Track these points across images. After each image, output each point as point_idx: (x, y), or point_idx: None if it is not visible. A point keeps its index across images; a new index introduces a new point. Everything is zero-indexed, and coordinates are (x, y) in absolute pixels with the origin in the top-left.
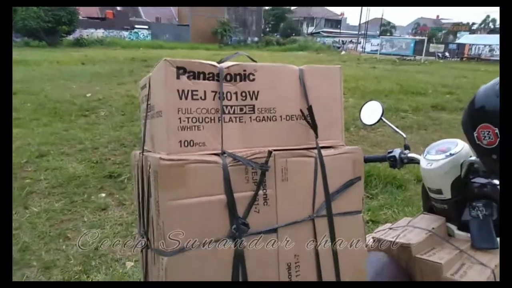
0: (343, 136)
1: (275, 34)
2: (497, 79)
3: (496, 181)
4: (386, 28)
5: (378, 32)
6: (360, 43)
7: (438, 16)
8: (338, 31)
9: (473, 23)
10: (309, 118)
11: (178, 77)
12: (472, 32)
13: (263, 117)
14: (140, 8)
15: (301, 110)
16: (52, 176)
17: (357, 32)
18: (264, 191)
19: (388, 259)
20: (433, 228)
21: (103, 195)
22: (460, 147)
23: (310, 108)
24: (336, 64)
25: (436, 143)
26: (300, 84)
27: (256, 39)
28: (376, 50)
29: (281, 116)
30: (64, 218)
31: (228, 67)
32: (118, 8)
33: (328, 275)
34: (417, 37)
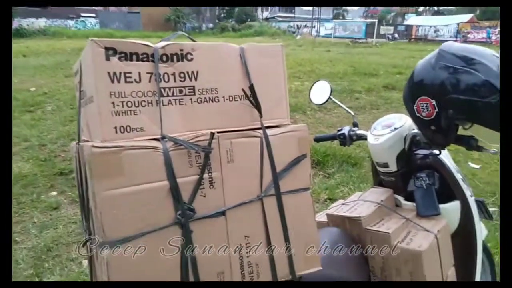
0: (288, 115)
1: (230, 20)
2: (433, 53)
3: (436, 151)
4: (339, 12)
5: (331, 16)
6: (314, 27)
7: None
8: (293, 15)
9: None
10: (252, 97)
11: (107, 59)
12: (419, 14)
13: (205, 98)
14: None
15: (243, 90)
16: None
17: (311, 16)
18: (210, 174)
19: (341, 233)
20: (381, 201)
21: (54, 193)
22: (404, 121)
23: (252, 87)
24: (292, 49)
25: (382, 118)
26: (241, 63)
27: (211, 25)
28: (330, 34)
29: (223, 97)
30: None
31: (163, 47)
32: None
33: (280, 253)
34: (368, 20)
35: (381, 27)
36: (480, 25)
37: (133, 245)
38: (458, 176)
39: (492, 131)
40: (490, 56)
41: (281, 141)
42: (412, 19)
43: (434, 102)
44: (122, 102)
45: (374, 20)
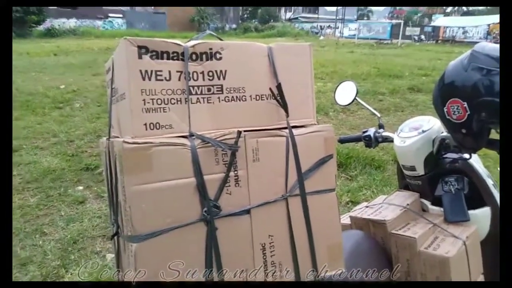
0: (314, 115)
1: (253, 20)
2: (465, 54)
3: (466, 155)
4: (363, 13)
5: (355, 17)
6: (338, 28)
7: None
8: (316, 16)
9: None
10: (279, 97)
11: (140, 57)
12: (447, 14)
13: (232, 97)
14: None
15: (270, 89)
16: (26, 171)
17: (334, 17)
18: (236, 172)
19: (364, 236)
20: (407, 204)
21: (81, 188)
22: (432, 123)
23: (279, 87)
24: (315, 49)
25: (409, 120)
26: (269, 62)
27: (234, 26)
28: (354, 35)
29: (250, 96)
30: (40, 213)
31: (193, 46)
32: None
33: (304, 254)
34: (394, 21)
35: (407, 28)
36: None
37: (160, 240)
38: (489, 182)
39: None
40: None
41: (307, 141)
42: (439, 20)
43: (465, 105)
44: (153, 99)
45: (400, 21)
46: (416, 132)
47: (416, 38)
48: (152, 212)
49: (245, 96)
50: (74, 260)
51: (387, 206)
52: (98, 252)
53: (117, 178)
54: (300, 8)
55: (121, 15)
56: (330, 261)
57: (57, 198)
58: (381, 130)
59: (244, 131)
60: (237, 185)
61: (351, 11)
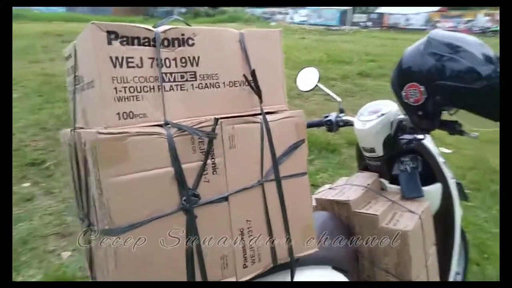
0: (285, 100)
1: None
2: (422, 41)
3: (420, 136)
4: None
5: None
6: (288, 13)
7: None
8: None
9: None
10: (253, 83)
11: (109, 43)
12: None
13: (206, 84)
14: None
15: (244, 76)
16: None
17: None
18: (213, 160)
19: (329, 216)
20: (368, 184)
21: (27, 184)
22: (390, 107)
23: (253, 73)
24: None
25: (368, 104)
26: (241, 48)
27: (183, 10)
28: (305, 21)
29: (224, 83)
30: None
31: (164, 31)
32: None
33: (279, 235)
34: (342, 8)
35: (355, 14)
36: (449, 14)
37: (140, 232)
38: (440, 160)
39: (476, 116)
40: (475, 43)
41: (280, 127)
42: (384, 7)
43: (422, 88)
44: (125, 87)
45: (348, 8)
46: (375, 115)
47: (363, 24)
48: (131, 204)
49: (218, 82)
50: (25, 262)
51: (349, 187)
52: (52, 251)
53: (88, 171)
54: None
55: None
56: (304, 242)
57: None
58: (341, 115)
59: (220, 118)
60: (214, 172)
61: None
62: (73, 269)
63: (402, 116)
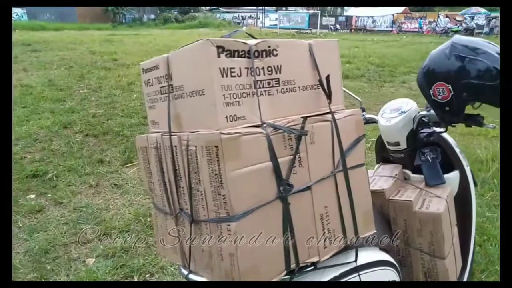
0: (343, 101)
1: (173, 10)
2: (446, 45)
3: (439, 129)
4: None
5: (275, 7)
6: (259, 18)
7: None
8: (237, 6)
9: None
10: (326, 87)
11: (218, 56)
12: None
13: (286, 88)
14: None
15: (319, 81)
16: None
17: (255, 8)
18: (298, 154)
19: None
20: (396, 175)
21: (33, 196)
22: (411, 104)
23: (327, 78)
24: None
25: (388, 104)
26: (310, 56)
27: (152, 16)
28: (275, 25)
29: (299, 87)
30: None
31: (255, 44)
32: None
33: (347, 218)
34: (311, 11)
35: (324, 18)
36: (413, 16)
37: (250, 218)
38: (457, 150)
39: (496, 109)
40: (489, 45)
41: (344, 124)
42: (351, 10)
43: (450, 87)
44: (230, 94)
45: (317, 11)
46: (397, 113)
47: (332, 27)
48: (244, 194)
49: (295, 87)
50: (52, 270)
51: (379, 178)
52: (76, 258)
53: (198, 168)
54: None
55: None
56: (365, 225)
57: None
58: (363, 113)
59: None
60: (300, 165)
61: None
62: (103, 273)
63: (423, 112)
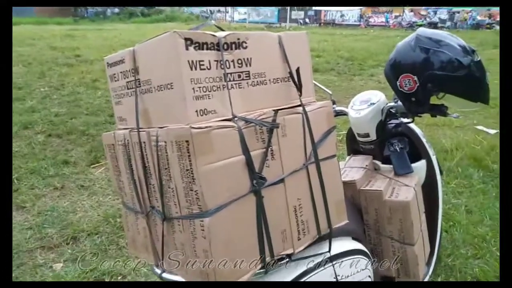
0: (313, 93)
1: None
2: (411, 37)
3: (408, 120)
4: None
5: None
6: (228, 12)
7: None
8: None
9: None
10: (297, 79)
11: (187, 48)
12: None
13: (257, 81)
14: None
15: (290, 73)
16: None
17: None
18: (270, 147)
19: None
20: (366, 165)
21: None
22: (379, 96)
23: (297, 70)
24: None
25: (358, 96)
26: (280, 49)
27: (116, 10)
28: (245, 19)
29: (270, 80)
30: None
31: (225, 37)
32: None
33: (320, 211)
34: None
35: (293, 12)
36: (379, 10)
37: (224, 212)
38: (424, 140)
39: (459, 99)
40: (453, 38)
41: (315, 116)
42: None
43: (415, 78)
44: (200, 87)
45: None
46: (366, 104)
47: (302, 21)
48: (217, 189)
49: (266, 80)
50: (16, 278)
51: (350, 169)
52: (43, 264)
53: (168, 164)
54: None
55: None
56: (337, 215)
57: None
58: (334, 106)
59: (275, 110)
60: (272, 158)
61: None
62: (72, 278)
63: (391, 104)
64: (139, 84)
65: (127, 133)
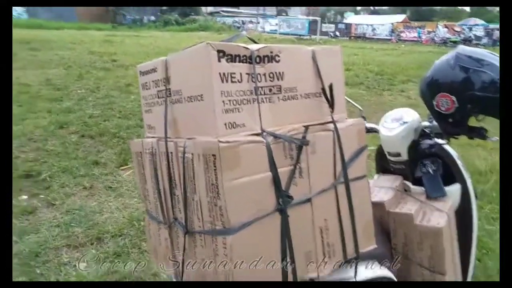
0: (345, 110)
1: (173, 13)
2: (450, 55)
3: (440, 141)
4: (282, 8)
5: (275, 12)
6: (259, 23)
7: None
8: (238, 10)
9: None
10: (330, 95)
11: (219, 60)
12: (357, 13)
13: (288, 96)
14: None
15: (322, 89)
16: None
17: (256, 12)
18: (299, 164)
19: None
20: (396, 186)
21: (25, 197)
22: (412, 115)
23: (331, 86)
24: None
25: (389, 113)
26: (313, 63)
27: (153, 18)
28: (275, 30)
29: (301, 95)
30: None
31: (258, 49)
32: None
33: (347, 232)
34: (311, 17)
35: (323, 24)
36: (412, 25)
37: (249, 230)
38: (459, 163)
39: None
40: (493, 56)
41: (346, 134)
42: (351, 18)
43: (454, 98)
44: (230, 100)
45: (317, 18)
46: (398, 123)
47: (332, 34)
48: (242, 205)
49: (297, 95)
50: (41, 274)
51: (379, 189)
52: (67, 263)
53: (194, 177)
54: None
55: None
56: (365, 239)
57: None
58: (364, 122)
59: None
60: (300, 176)
61: (271, 7)
62: (94, 278)
63: (425, 123)
64: (170, 93)
65: (155, 142)
